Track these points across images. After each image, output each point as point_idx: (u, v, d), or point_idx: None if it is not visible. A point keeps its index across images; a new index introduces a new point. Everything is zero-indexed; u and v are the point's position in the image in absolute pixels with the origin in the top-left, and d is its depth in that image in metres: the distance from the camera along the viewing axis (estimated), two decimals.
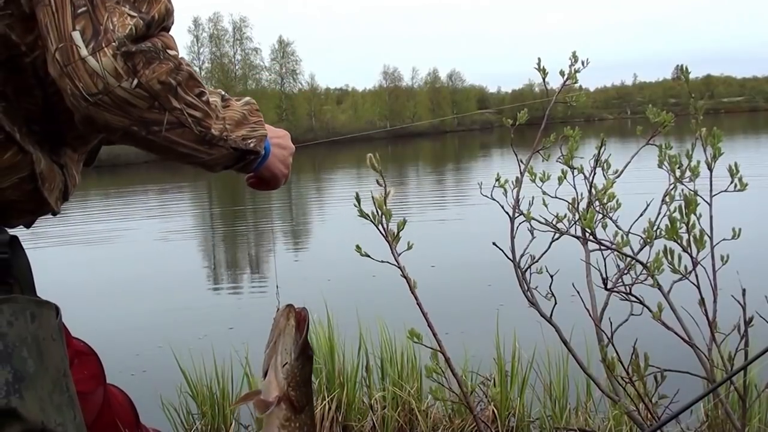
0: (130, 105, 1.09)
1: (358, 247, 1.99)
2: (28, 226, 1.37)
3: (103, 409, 1.80)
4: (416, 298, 2.01)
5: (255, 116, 1.32)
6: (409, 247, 1.95)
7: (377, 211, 1.91)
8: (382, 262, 1.99)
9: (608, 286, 2.18)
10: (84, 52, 1.06)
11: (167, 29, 1.15)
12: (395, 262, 1.99)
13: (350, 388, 3.30)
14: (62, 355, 1.23)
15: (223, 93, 1.30)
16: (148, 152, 1.22)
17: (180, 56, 1.14)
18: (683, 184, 2.16)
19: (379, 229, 1.94)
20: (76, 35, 1.06)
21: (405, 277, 2.00)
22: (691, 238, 1.97)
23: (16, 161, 1.19)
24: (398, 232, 1.94)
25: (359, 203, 1.91)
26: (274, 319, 1.42)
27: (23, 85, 1.19)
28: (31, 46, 1.17)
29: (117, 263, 9.65)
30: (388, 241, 1.96)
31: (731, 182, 2.10)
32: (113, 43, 1.06)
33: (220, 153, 1.23)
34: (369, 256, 1.99)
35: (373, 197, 1.90)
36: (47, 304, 1.22)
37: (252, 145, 1.29)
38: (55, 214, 1.36)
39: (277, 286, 1.59)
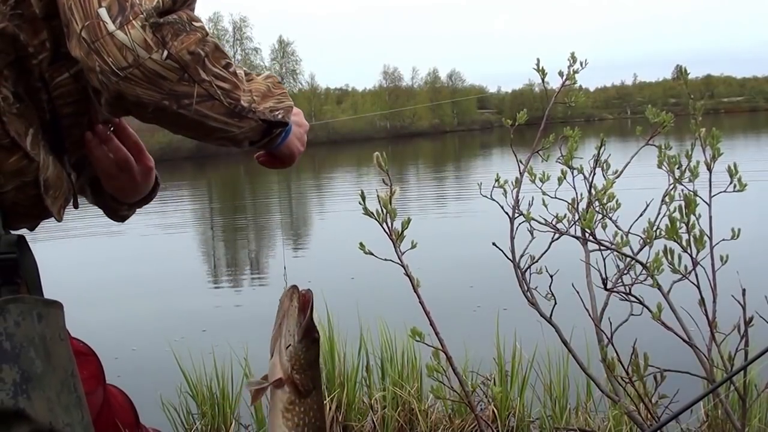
0: (161, 77, 1.08)
1: (361, 244, 1.98)
2: (31, 229, 1.37)
3: (103, 409, 1.81)
4: (419, 296, 2.01)
5: (279, 89, 1.31)
6: (413, 246, 1.95)
7: (382, 210, 1.91)
8: (385, 260, 1.99)
9: (608, 287, 2.18)
10: (111, 26, 1.06)
11: (192, 11, 1.14)
12: (398, 261, 1.99)
13: (350, 388, 3.30)
14: (69, 355, 1.22)
15: (244, 68, 1.29)
16: (176, 132, 1.20)
17: (205, 27, 1.14)
18: (683, 185, 2.17)
19: (383, 228, 1.94)
20: (103, 12, 1.06)
21: (408, 276, 1.99)
22: (691, 238, 1.98)
23: (21, 166, 1.19)
24: (402, 231, 1.94)
25: (364, 201, 1.90)
26: (280, 300, 1.40)
27: (30, 87, 1.19)
28: (39, 48, 1.17)
29: (115, 261, 9.65)
30: (392, 240, 1.96)
31: (731, 182, 2.10)
32: (141, 15, 1.06)
33: (249, 126, 1.22)
34: (372, 254, 1.99)
35: (378, 196, 1.90)
36: (54, 304, 1.21)
37: (280, 116, 1.28)
38: (58, 221, 1.36)
39: (284, 267, 1.58)
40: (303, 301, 1.38)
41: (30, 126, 1.19)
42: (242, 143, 1.26)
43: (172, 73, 1.09)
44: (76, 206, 1.42)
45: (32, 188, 1.23)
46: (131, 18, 1.06)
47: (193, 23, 1.11)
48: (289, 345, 1.35)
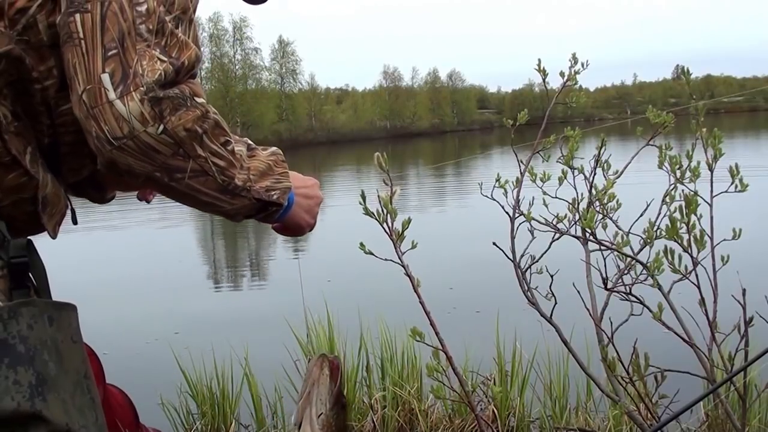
0: (155, 151, 1.08)
1: (362, 244, 1.98)
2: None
3: (103, 409, 1.81)
4: (419, 296, 2.00)
5: (280, 167, 1.31)
6: (414, 246, 1.95)
7: (382, 210, 1.91)
8: (386, 260, 1.99)
9: (608, 286, 2.18)
10: (112, 95, 1.06)
11: (194, 76, 1.15)
12: (399, 261, 1.98)
13: (350, 388, 3.30)
14: (83, 357, 1.23)
15: (249, 142, 1.29)
16: (168, 197, 1.21)
17: (207, 104, 1.14)
18: (683, 185, 2.16)
19: (384, 228, 1.94)
20: (105, 78, 1.06)
21: (408, 276, 1.99)
22: (692, 238, 1.97)
23: (21, 183, 1.19)
24: (403, 231, 1.94)
25: (364, 201, 1.90)
26: (307, 369, 1.44)
27: (31, 110, 1.19)
28: (45, 74, 1.16)
29: (114, 261, 9.65)
30: (392, 240, 1.95)
31: (732, 183, 2.10)
32: (141, 88, 1.06)
33: (242, 203, 1.23)
34: (372, 254, 1.99)
35: (378, 196, 1.90)
36: (66, 306, 1.21)
37: (275, 197, 1.28)
38: (52, 238, 1.36)
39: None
40: (332, 368, 1.42)
41: (28, 144, 1.19)
42: (235, 217, 1.28)
43: (166, 147, 1.09)
44: (75, 222, 1.42)
45: (29, 205, 1.23)
46: (132, 89, 1.06)
47: (195, 99, 1.11)
48: (321, 413, 1.38)
